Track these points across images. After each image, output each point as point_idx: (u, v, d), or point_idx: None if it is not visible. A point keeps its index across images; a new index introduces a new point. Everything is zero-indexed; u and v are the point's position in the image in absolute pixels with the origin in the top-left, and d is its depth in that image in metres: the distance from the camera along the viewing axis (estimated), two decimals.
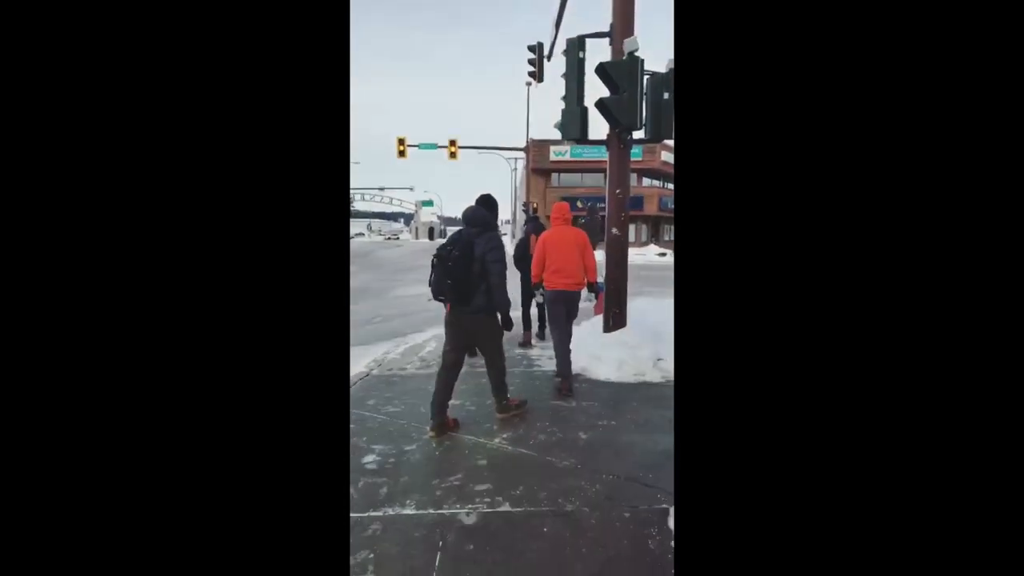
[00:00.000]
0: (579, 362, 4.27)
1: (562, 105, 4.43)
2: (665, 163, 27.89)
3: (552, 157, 26.84)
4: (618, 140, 4.42)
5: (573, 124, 4.38)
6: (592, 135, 4.56)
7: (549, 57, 9.13)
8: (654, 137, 4.40)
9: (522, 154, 26.44)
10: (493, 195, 3.19)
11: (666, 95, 4.32)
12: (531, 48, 11.67)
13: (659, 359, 4.36)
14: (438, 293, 2.94)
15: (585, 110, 4.40)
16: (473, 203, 3.11)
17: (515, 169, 32.08)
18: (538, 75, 11.72)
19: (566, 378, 3.79)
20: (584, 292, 3.78)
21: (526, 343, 5.32)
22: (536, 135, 26.25)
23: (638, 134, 4.52)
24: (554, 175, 28.10)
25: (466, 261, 2.86)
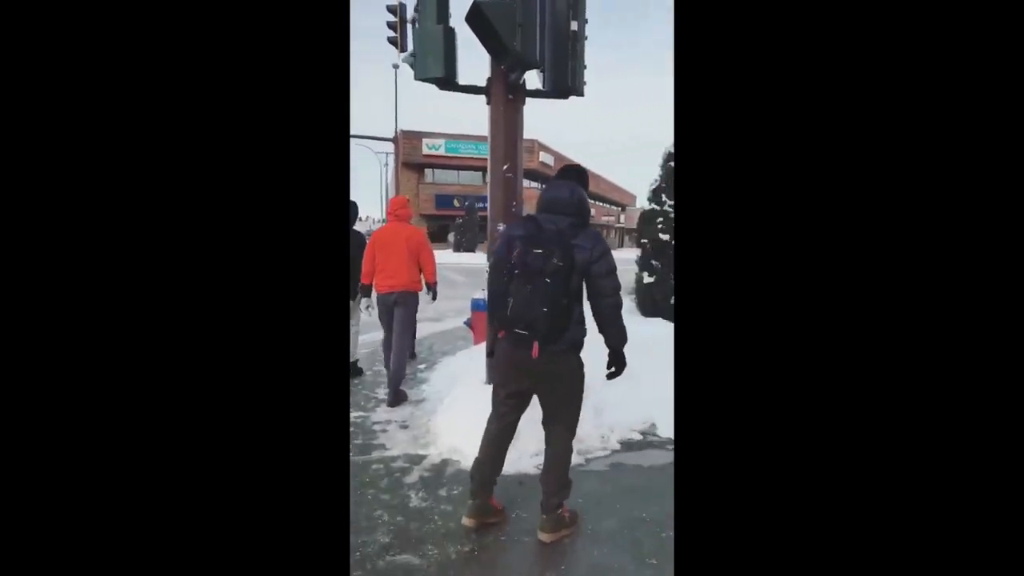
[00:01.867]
0: (454, 440, 2.66)
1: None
2: (544, 164, 27.64)
3: (425, 151, 24.84)
4: (504, 86, 2.85)
5: (431, 54, 2.70)
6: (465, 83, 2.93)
7: (415, 22, 7.40)
8: (557, 86, 2.93)
9: (391, 146, 24.08)
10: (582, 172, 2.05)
11: (574, 24, 2.87)
12: (390, 8, 9.71)
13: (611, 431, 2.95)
14: (523, 323, 1.75)
15: (451, 33, 2.76)
16: (556, 177, 2.01)
17: (386, 165, 29.42)
18: (400, 41, 9.79)
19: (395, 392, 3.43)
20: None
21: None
22: (407, 125, 24.04)
23: (533, 83, 3.02)
24: (428, 171, 26.13)
25: (567, 274, 1.73)
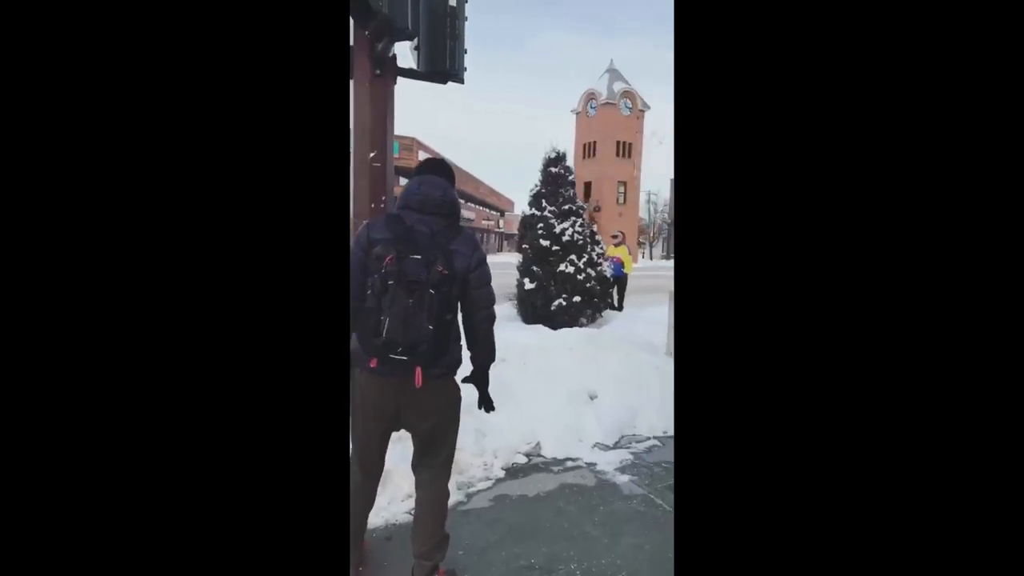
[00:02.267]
0: None
1: None
2: None
3: None
4: (370, 55, 2.39)
5: None
6: None
7: None
8: (433, 67, 2.55)
9: None
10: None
11: None
12: None
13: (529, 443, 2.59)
14: (403, 345, 1.33)
15: None
16: (419, 171, 1.59)
17: None
18: None
19: None
20: None
21: None
22: None
23: (404, 59, 2.60)
24: None
25: (451, 283, 1.40)
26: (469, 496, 2.39)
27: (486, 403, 1.67)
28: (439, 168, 1.61)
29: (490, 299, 1.54)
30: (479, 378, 1.65)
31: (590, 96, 29.92)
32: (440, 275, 1.34)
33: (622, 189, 30.04)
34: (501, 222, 51.48)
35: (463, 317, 1.54)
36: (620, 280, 7.31)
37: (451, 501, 2.31)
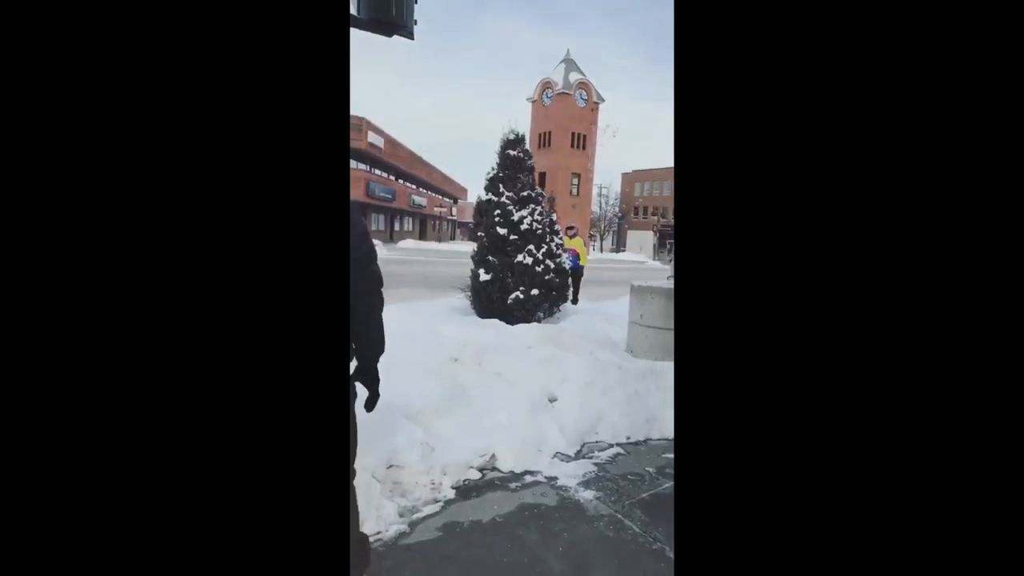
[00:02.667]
0: None
1: None
2: (373, 145, 25.73)
3: None
4: None
5: None
6: None
7: None
8: (377, 15, 2.13)
9: None
10: None
11: None
12: None
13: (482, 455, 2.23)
14: None
15: None
16: None
17: None
18: None
19: None
20: None
21: None
22: None
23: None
24: None
25: None
26: (413, 525, 2.04)
27: (372, 402, 1.47)
28: None
29: (374, 280, 1.36)
30: (367, 375, 1.45)
31: (546, 85, 29.67)
32: None
33: (576, 181, 30.12)
34: (454, 210, 50.56)
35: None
36: (576, 273, 7.11)
37: (392, 531, 1.97)
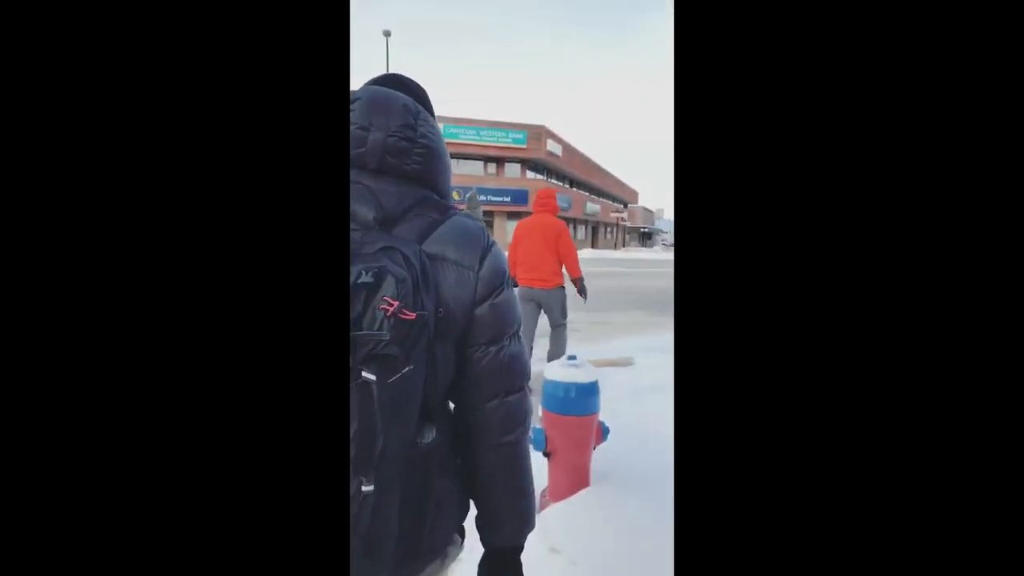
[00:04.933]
0: None
1: None
2: (551, 154, 25.43)
3: None
4: None
5: None
6: None
7: None
8: None
9: None
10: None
11: None
12: None
13: None
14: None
15: None
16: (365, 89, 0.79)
17: None
18: None
19: None
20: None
21: None
22: None
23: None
24: None
25: (435, 338, 0.67)
26: None
27: None
28: (393, 81, 0.81)
29: (519, 375, 0.75)
30: (498, 567, 0.77)
31: None
32: (409, 319, 0.61)
33: None
34: (624, 214, 48.25)
35: (458, 417, 0.78)
36: None
37: None
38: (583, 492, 1.83)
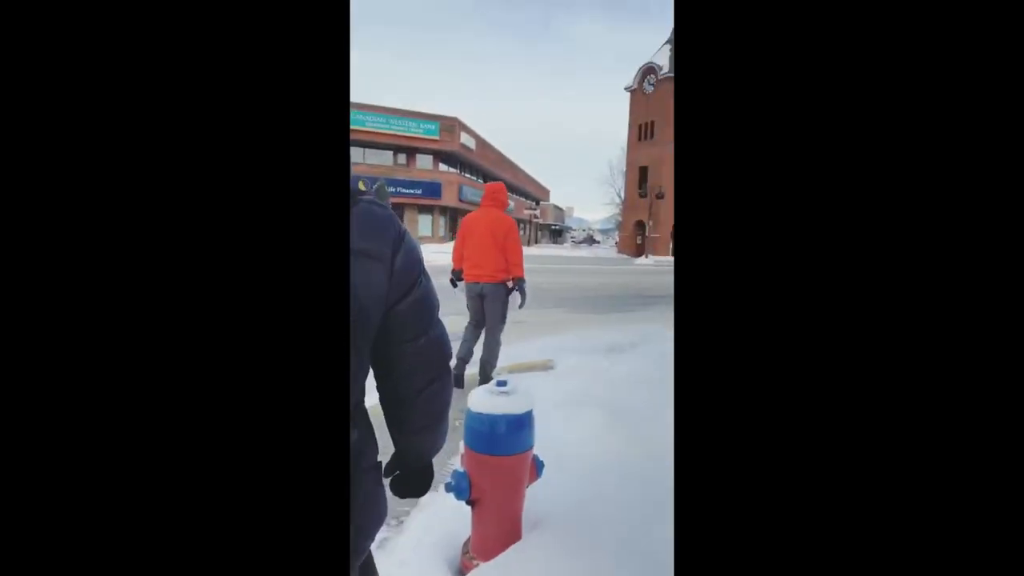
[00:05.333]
0: None
1: None
2: (465, 147, 24.90)
3: None
4: None
5: None
6: None
7: None
8: None
9: None
10: None
11: None
12: None
13: None
14: None
15: None
16: None
17: None
18: None
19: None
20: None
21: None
22: None
23: None
24: None
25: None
26: None
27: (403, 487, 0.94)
28: None
29: (446, 358, 0.82)
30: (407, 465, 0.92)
31: (648, 71, 27.30)
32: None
33: None
34: (537, 211, 49.15)
35: (388, 410, 0.87)
36: None
37: None
38: (516, 547, 1.49)
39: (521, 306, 3.51)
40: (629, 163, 29.15)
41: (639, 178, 27.71)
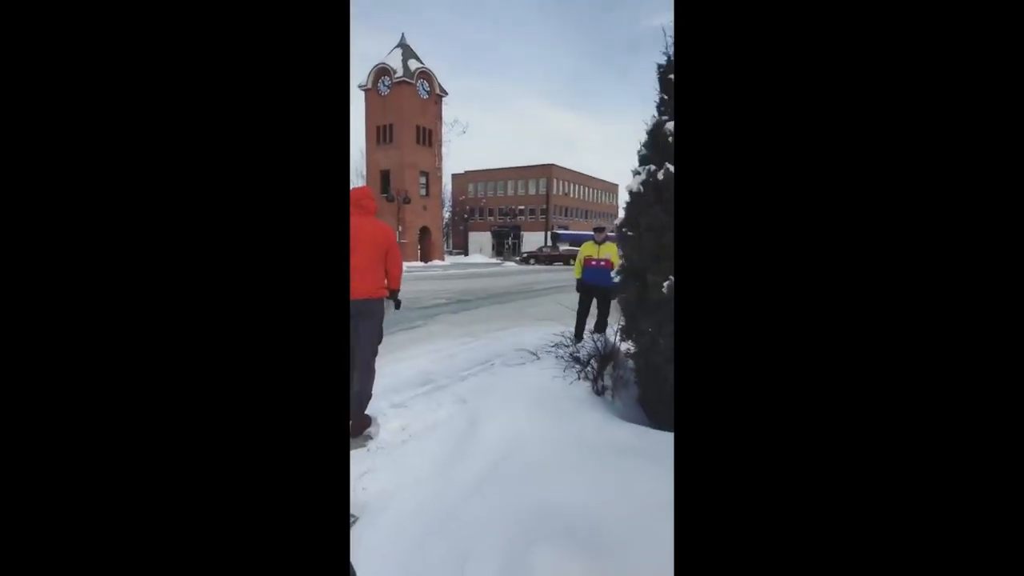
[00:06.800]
0: None
1: None
2: None
3: None
4: None
5: None
6: None
7: None
8: None
9: None
10: None
11: None
12: None
13: None
14: None
15: None
16: None
17: None
18: None
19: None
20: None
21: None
22: None
23: None
24: None
25: None
26: None
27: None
28: None
29: None
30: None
31: (381, 71, 26.82)
32: None
33: (424, 180, 27.93)
34: None
35: None
36: (608, 292, 4.42)
37: None
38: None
39: (397, 309, 3.32)
40: (369, 167, 28.18)
41: (381, 182, 27.06)
